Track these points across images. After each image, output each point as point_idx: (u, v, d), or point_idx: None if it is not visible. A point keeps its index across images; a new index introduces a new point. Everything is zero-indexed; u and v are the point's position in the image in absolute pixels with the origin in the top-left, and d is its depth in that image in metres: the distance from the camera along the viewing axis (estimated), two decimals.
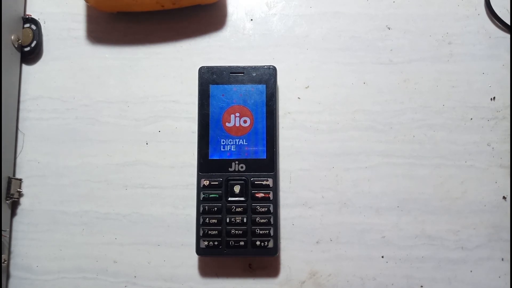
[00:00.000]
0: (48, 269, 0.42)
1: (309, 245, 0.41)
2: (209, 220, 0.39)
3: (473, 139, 0.42)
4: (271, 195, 0.39)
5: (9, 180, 0.41)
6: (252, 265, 0.41)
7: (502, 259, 0.41)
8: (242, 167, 0.40)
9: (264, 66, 0.41)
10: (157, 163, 0.43)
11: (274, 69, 0.41)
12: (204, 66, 0.41)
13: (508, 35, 0.44)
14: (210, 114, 0.40)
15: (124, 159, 0.43)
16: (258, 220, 0.39)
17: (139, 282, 0.41)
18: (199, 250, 0.39)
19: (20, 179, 0.42)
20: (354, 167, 0.42)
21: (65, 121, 0.43)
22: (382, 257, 0.41)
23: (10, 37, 0.42)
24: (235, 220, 0.39)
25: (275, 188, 0.40)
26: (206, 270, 0.41)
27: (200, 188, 0.40)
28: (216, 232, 0.39)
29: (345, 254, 0.41)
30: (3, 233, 0.40)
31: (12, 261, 0.42)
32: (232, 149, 0.40)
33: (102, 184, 0.42)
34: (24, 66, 0.44)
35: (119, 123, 0.43)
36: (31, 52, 0.44)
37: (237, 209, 0.39)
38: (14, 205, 0.42)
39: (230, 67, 0.41)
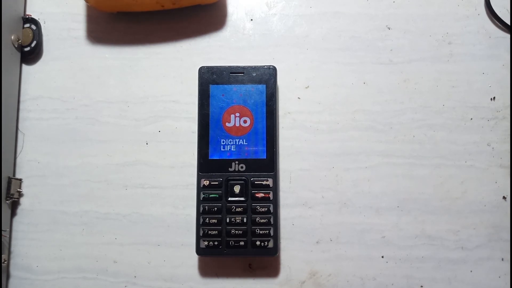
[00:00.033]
0: (48, 269, 0.42)
1: (309, 245, 0.41)
2: (209, 220, 0.39)
3: (473, 139, 0.42)
4: (271, 195, 0.39)
5: (9, 180, 0.41)
6: (252, 265, 0.41)
7: (502, 259, 0.41)
8: (242, 167, 0.40)
9: (264, 66, 0.41)
10: (157, 163, 0.43)
11: (274, 69, 0.41)
12: (204, 66, 0.41)
13: (508, 35, 0.44)
14: (210, 114, 0.40)
15: (124, 159, 0.43)
16: (258, 220, 0.39)
17: (139, 282, 0.41)
18: (199, 250, 0.39)
19: (20, 179, 0.42)
20: (354, 167, 0.42)
21: (65, 121, 0.43)
22: (382, 257, 0.41)
23: (10, 37, 0.42)
24: (235, 220, 0.39)
25: (275, 188, 0.40)
26: (206, 270, 0.41)
27: (200, 188, 0.40)
28: (216, 232, 0.39)
29: (345, 254, 0.41)
30: (3, 233, 0.40)
31: (12, 261, 0.42)
32: (232, 149, 0.40)
33: (102, 184, 0.42)
34: (24, 66, 0.44)
35: (119, 123, 0.43)
36: (31, 52, 0.44)
37: (237, 209, 0.39)
38: (14, 205, 0.42)
39: (230, 67, 0.41)
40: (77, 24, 0.45)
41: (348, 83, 0.43)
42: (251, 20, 0.45)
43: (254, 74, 0.41)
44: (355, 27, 0.44)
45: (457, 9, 0.44)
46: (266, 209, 0.39)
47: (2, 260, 0.40)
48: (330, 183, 0.42)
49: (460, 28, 0.44)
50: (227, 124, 0.40)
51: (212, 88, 0.41)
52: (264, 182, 0.40)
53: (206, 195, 0.39)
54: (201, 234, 0.39)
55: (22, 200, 0.42)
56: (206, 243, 0.39)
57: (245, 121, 0.40)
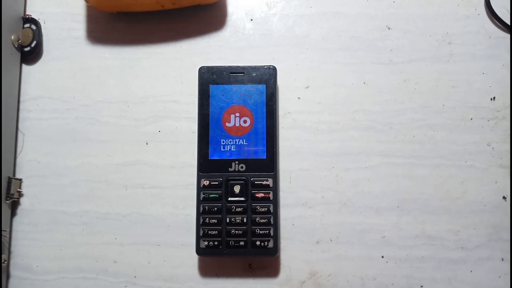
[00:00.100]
0: (48, 269, 0.42)
1: (309, 245, 0.41)
2: (209, 220, 0.39)
3: (473, 139, 0.42)
4: (271, 195, 0.39)
5: (9, 180, 0.41)
6: (252, 265, 0.41)
7: (502, 259, 0.41)
8: (242, 167, 0.40)
9: (264, 66, 0.41)
10: (157, 163, 0.43)
11: (274, 69, 0.41)
12: (204, 66, 0.41)
13: (508, 35, 0.44)
14: (210, 114, 0.40)
15: (124, 159, 0.43)
16: (258, 220, 0.39)
17: (139, 282, 0.41)
18: (199, 250, 0.39)
19: (20, 179, 0.42)
20: (354, 167, 0.42)
21: (65, 121, 0.43)
22: (382, 257, 0.41)
23: (10, 37, 0.42)
24: (235, 220, 0.39)
25: (275, 188, 0.40)
26: (206, 270, 0.41)
27: (200, 188, 0.40)
28: (216, 232, 0.39)
29: (345, 254, 0.41)
30: (3, 233, 0.40)
31: (12, 261, 0.42)
32: (232, 149, 0.40)
33: (102, 184, 0.42)
34: (24, 66, 0.44)
35: (119, 123, 0.43)
36: (31, 52, 0.44)
37: (237, 209, 0.39)
38: (14, 205, 0.42)
39: (230, 67, 0.41)
40: (77, 24, 0.45)
41: (348, 83, 0.43)
42: (251, 20, 0.45)
43: (254, 74, 0.41)
44: (355, 27, 0.44)
45: (457, 9, 0.44)
46: (266, 209, 0.39)
47: (2, 260, 0.40)
48: (330, 183, 0.42)
49: (460, 28, 0.44)
50: (227, 124, 0.40)
51: (212, 88, 0.41)
52: (264, 182, 0.40)
53: (206, 195, 0.39)
54: (201, 234, 0.39)
55: (22, 200, 0.42)
56: (206, 243, 0.39)
57: (245, 121, 0.40)
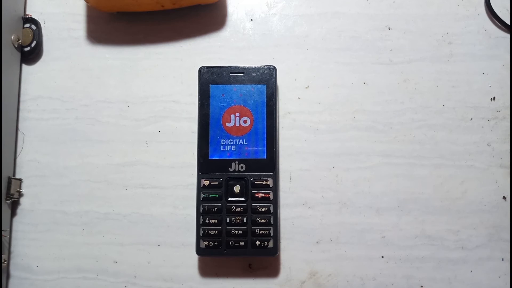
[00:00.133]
0: (48, 269, 0.42)
1: (309, 245, 0.41)
2: (209, 220, 0.39)
3: (473, 139, 0.42)
4: (271, 195, 0.39)
5: (9, 180, 0.41)
6: (252, 265, 0.41)
7: (502, 259, 0.41)
8: (242, 167, 0.40)
9: (264, 66, 0.41)
10: (157, 163, 0.43)
11: (274, 69, 0.41)
12: (204, 66, 0.41)
13: (508, 35, 0.44)
14: (210, 114, 0.40)
15: (124, 159, 0.43)
16: (258, 220, 0.39)
17: (139, 282, 0.41)
18: (199, 250, 0.39)
19: (20, 179, 0.42)
20: (354, 167, 0.42)
21: (65, 121, 0.43)
22: (382, 257, 0.41)
23: (10, 37, 0.42)
24: (235, 220, 0.39)
25: (275, 188, 0.40)
26: (206, 270, 0.41)
27: (200, 188, 0.40)
28: (216, 232, 0.39)
29: (345, 254, 0.41)
30: (3, 233, 0.40)
31: (12, 261, 0.42)
32: (232, 149, 0.40)
33: (102, 184, 0.42)
34: (24, 66, 0.44)
35: (119, 123, 0.43)
36: (31, 52, 0.44)
37: (237, 209, 0.39)
38: (14, 205, 0.42)
39: (230, 67, 0.41)
40: (77, 24, 0.45)
41: (348, 83, 0.43)
42: (251, 20, 0.45)
43: (254, 74, 0.41)
44: (355, 27, 0.44)
45: (457, 9, 0.44)
46: (266, 209, 0.39)
47: (2, 260, 0.40)
48: (330, 183, 0.42)
49: (460, 28, 0.44)
50: (227, 124, 0.40)
51: (212, 88, 0.41)
52: (264, 182, 0.40)
53: (206, 195, 0.39)
54: (201, 234, 0.39)
55: (22, 200, 0.42)
56: (206, 243, 0.39)
57: (245, 121, 0.40)
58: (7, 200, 0.41)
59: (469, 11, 0.44)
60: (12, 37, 0.42)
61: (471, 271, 0.41)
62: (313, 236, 0.41)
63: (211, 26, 0.45)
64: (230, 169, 0.40)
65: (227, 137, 0.40)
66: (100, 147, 0.43)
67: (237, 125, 0.40)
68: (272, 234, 0.39)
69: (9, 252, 0.42)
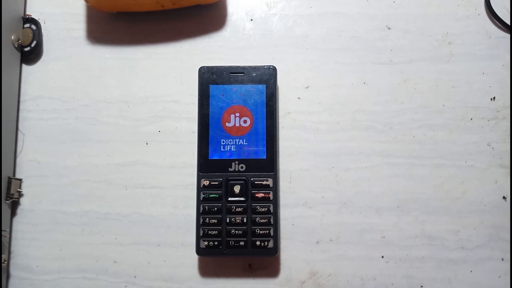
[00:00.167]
0: (48, 269, 0.42)
1: (309, 245, 0.41)
2: (209, 220, 0.39)
3: (473, 139, 0.42)
4: (271, 195, 0.39)
5: (9, 180, 0.41)
6: (252, 265, 0.41)
7: (502, 259, 0.41)
8: (242, 167, 0.40)
9: (264, 66, 0.41)
10: (157, 163, 0.43)
11: (274, 69, 0.41)
12: (204, 66, 0.41)
13: (508, 35, 0.44)
14: (210, 114, 0.40)
15: (124, 159, 0.43)
16: (258, 220, 0.39)
17: (139, 282, 0.41)
18: (199, 250, 0.39)
19: (20, 179, 0.42)
20: (354, 167, 0.42)
21: (65, 121, 0.43)
22: (382, 257, 0.41)
23: (10, 37, 0.42)
24: (235, 220, 0.39)
25: (275, 188, 0.40)
26: (206, 270, 0.41)
27: (200, 188, 0.40)
28: (216, 232, 0.39)
29: (345, 254, 0.41)
30: (3, 233, 0.40)
31: (12, 261, 0.42)
32: (232, 149, 0.40)
33: (102, 184, 0.42)
34: (24, 66, 0.44)
35: (119, 123, 0.43)
36: (31, 52, 0.44)
37: (237, 209, 0.39)
38: (14, 205, 0.42)
39: (230, 67, 0.41)
40: (77, 24, 0.45)
41: (348, 83, 0.43)
42: (251, 20, 0.45)
43: (254, 74, 0.41)
44: (355, 27, 0.44)
45: (457, 9, 0.44)
46: (266, 209, 0.39)
47: (2, 260, 0.40)
48: (330, 183, 0.42)
49: (460, 28, 0.44)
50: (227, 124, 0.40)
51: (212, 88, 0.41)
52: (264, 182, 0.40)
53: (206, 195, 0.39)
54: (201, 234, 0.39)
55: (22, 200, 0.42)
56: (206, 243, 0.39)
57: (245, 121, 0.40)
58: (7, 200, 0.41)
59: (469, 11, 0.44)
60: (12, 37, 0.42)
61: (471, 271, 0.41)
62: (313, 236, 0.41)
63: (211, 26, 0.45)
64: (230, 169, 0.40)
65: (227, 137, 0.40)
66: (100, 147, 0.43)
67: (237, 125, 0.40)
68: (272, 234, 0.39)
69: (9, 252, 0.42)
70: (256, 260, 0.41)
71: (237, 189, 0.40)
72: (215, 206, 0.39)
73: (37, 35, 0.44)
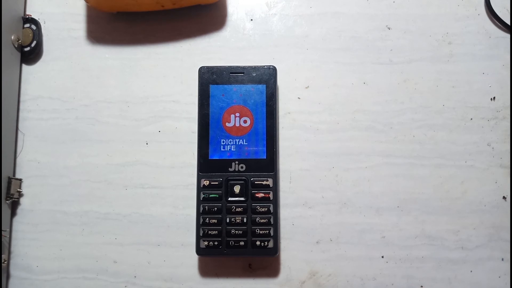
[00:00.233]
0: (48, 269, 0.42)
1: (309, 245, 0.41)
2: (209, 220, 0.39)
3: (473, 139, 0.42)
4: (271, 195, 0.39)
5: (9, 180, 0.41)
6: (252, 265, 0.41)
7: (502, 259, 0.41)
8: (242, 167, 0.40)
9: (264, 66, 0.41)
10: (157, 163, 0.43)
11: (274, 69, 0.41)
12: (204, 66, 0.41)
13: (508, 35, 0.44)
14: (210, 114, 0.40)
15: (124, 159, 0.43)
16: (258, 220, 0.39)
17: (139, 282, 0.41)
18: (199, 250, 0.39)
19: (20, 179, 0.42)
20: (354, 167, 0.42)
21: (65, 121, 0.43)
22: (382, 257, 0.41)
23: (10, 37, 0.42)
24: (235, 220, 0.39)
25: (275, 188, 0.40)
26: (206, 270, 0.41)
27: (200, 188, 0.40)
28: (216, 232, 0.39)
29: (345, 254, 0.41)
30: (3, 233, 0.40)
31: (12, 261, 0.42)
32: (232, 149, 0.40)
33: (102, 184, 0.42)
34: (24, 66, 0.44)
35: (119, 123, 0.43)
36: (31, 52, 0.44)
37: (237, 209, 0.39)
38: (14, 205, 0.42)
39: (230, 67, 0.41)
40: (77, 24, 0.45)
41: (348, 83, 0.43)
42: (251, 20, 0.45)
43: (254, 74, 0.41)
44: (355, 27, 0.44)
45: (457, 9, 0.44)
46: (266, 209, 0.39)
47: (2, 260, 0.40)
48: (330, 183, 0.42)
49: (460, 28, 0.44)
50: (227, 124, 0.40)
51: (212, 88, 0.41)
52: (264, 182, 0.40)
53: (206, 195, 0.40)
54: (201, 234, 0.39)
55: (22, 200, 0.42)
56: (206, 243, 0.39)
57: (245, 121, 0.40)
58: (7, 200, 0.41)
59: (469, 11, 0.44)
60: (12, 37, 0.42)
61: (471, 271, 0.41)
62: (313, 236, 0.41)
63: (211, 26, 0.45)
64: (230, 169, 0.40)
65: (227, 137, 0.40)
66: (100, 147, 0.43)
67: (237, 125, 0.40)
68: (272, 234, 0.39)
69: (9, 252, 0.42)
70: (256, 260, 0.41)
71: (237, 189, 0.40)
72: (215, 206, 0.39)
73: (37, 35, 0.44)
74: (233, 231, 0.39)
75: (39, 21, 0.44)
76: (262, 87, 0.41)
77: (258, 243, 0.39)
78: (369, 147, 0.42)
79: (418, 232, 0.41)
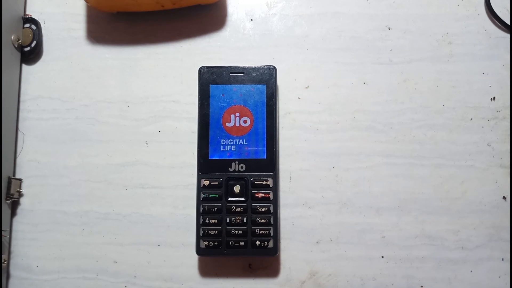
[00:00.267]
0: (48, 269, 0.42)
1: (309, 245, 0.41)
2: (209, 220, 0.39)
3: (473, 139, 0.42)
4: (271, 195, 0.39)
5: (9, 180, 0.41)
6: (252, 265, 0.41)
7: (502, 259, 0.41)
8: (242, 167, 0.40)
9: (264, 66, 0.41)
10: (157, 163, 0.43)
11: (274, 69, 0.41)
12: (204, 66, 0.41)
13: (508, 35, 0.44)
14: (210, 114, 0.40)
15: (124, 159, 0.43)
16: (258, 220, 0.39)
17: (139, 282, 0.41)
18: (199, 250, 0.39)
19: (20, 179, 0.42)
20: (354, 167, 0.42)
21: (65, 121, 0.43)
22: (382, 257, 0.41)
23: (10, 37, 0.42)
24: (235, 220, 0.39)
25: (275, 188, 0.40)
26: (206, 270, 0.41)
27: (200, 188, 0.40)
28: (216, 232, 0.39)
29: (345, 254, 0.41)
30: (3, 233, 0.40)
31: (12, 261, 0.42)
32: (232, 149, 0.40)
33: (102, 184, 0.42)
34: (24, 66, 0.44)
35: (119, 123, 0.43)
36: (31, 52, 0.44)
37: (237, 209, 0.39)
38: (14, 205, 0.42)
39: (230, 67, 0.41)
40: (77, 24, 0.45)
41: (348, 83, 0.43)
42: (251, 20, 0.45)
43: (254, 74, 0.41)
44: (355, 27, 0.44)
45: (457, 9, 0.44)
46: (266, 209, 0.39)
47: (2, 260, 0.40)
48: (330, 183, 0.42)
49: (460, 28, 0.44)
50: (227, 124, 0.40)
51: (212, 88, 0.41)
52: (264, 182, 0.40)
53: (206, 195, 0.39)
54: (201, 234, 0.39)
55: (22, 200, 0.42)
56: (206, 243, 0.39)
57: (245, 121, 0.40)
58: (7, 200, 0.41)
59: (469, 11, 0.44)
60: (12, 37, 0.42)
61: (471, 271, 0.41)
62: (313, 236, 0.41)
63: (211, 26, 0.45)
64: (230, 169, 0.40)
65: (227, 137, 0.40)
66: (100, 147, 0.43)
67: (237, 125, 0.40)
68: (272, 234, 0.39)
69: (9, 252, 0.42)
70: (256, 260, 0.41)
71: (237, 189, 0.40)
72: (215, 206, 0.39)
73: (37, 35, 0.44)
74: (233, 231, 0.39)
75: (39, 21, 0.44)
76: (262, 87, 0.41)
77: (258, 243, 0.39)
78: (369, 147, 0.42)
79: (418, 232, 0.41)
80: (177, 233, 0.42)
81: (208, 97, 0.41)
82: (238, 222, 0.39)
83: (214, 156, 0.40)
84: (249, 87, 0.41)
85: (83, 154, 0.43)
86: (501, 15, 0.44)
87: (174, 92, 0.44)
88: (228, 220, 0.39)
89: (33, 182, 0.43)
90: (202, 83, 0.41)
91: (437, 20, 0.44)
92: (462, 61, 0.44)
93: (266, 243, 0.39)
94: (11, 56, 0.43)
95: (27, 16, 0.44)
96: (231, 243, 0.39)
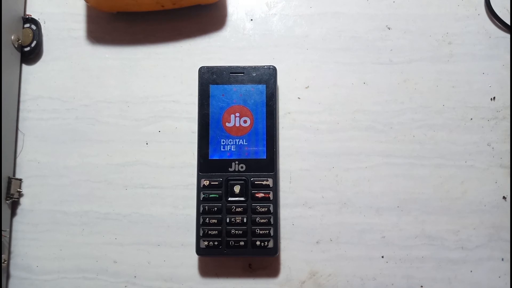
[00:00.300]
0: (48, 269, 0.42)
1: (309, 245, 0.41)
2: (209, 220, 0.39)
3: (473, 139, 0.42)
4: (271, 195, 0.39)
5: (9, 180, 0.41)
6: (252, 265, 0.41)
7: (502, 259, 0.41)
8: (242, 167, 0.40)
9: (264, 66, 0.41)
10: (157, 163, 0.43)
11: (274, 69, 0.41)
12: (204, 66, 0.41)
13: (508, 35, 0.44)
14: (210, 114, 0.40)
15: (124, 159, 0.43)
16: (258, 220, 0.39)
17: (139, 282, 0.41)
18: (199, 250, 0.39)
19: (20, 179, 0.42)
20: (354, 167, 0.42)
21: (65, 121, 0.43)
22: (382, 257, 0.41)
23: (10, 37, 0.42)
24: (235, 220, 0.39)
25: (275, 188, 0.40)
26: (206, 270, 0.41)
27: (200, 188, 0.40)
28: (216, 232, 0.39)
29: (345, 254, 0.41)
30: (3, 233, 0.40)
31: (12, 261, 0.42)
32: (232, 149, 0.40)
33: (102, 184, 0.42)
34: (24, 66, 0.44)
35: (119, 123, 0.43)
36: (31, 52, 0.44)
37: (237, 209, 0.39)
38: (14, 205, 0.42)
39: (230, 67, 0.41)
40: (77, 24, 0.45)
41: (348, 83, 0.43)
42: (251, 20, 0.45)
43: (254, 74, 0.41)
44: (355, 27, 0.44)
45: (457, 9, 0.44)
46: (266, 209, 0.39)
47: (2, 260, 0.40)
48: (330, 183, 0.42)
49: (460, 28, 0.44)
50: (227, 124, 0.40)
51: (212, 88, 0.41)
52: (264, 182, 0.40)
53: (206, 195, 0.40)
54: (201, 234, 0.39)
55: (22, 200, 0.42)
56: (206, 243, 0.39)
57: (245, 121, 0.40)
58: (7, 200, 0.41)
59: (469, 11, 0.44)
60: (12, 37, 0.42)
61: (471, 271, 0.41)
62: (313, 236, 0.41)
63: (211, 26, 0.45)
64: (230, 169, 0.40)
65: (227, 137, 0.40)
66: (100, 147, 0.43)
67: (237, 125, 0.40)
68: (272, 234, 0.39)
69: (9, 252, 0.42)
70: (256, 260, 0.41)
71: (237, 189, 0.40)
72: (215, 206, 0.39)
73: (37, 35, 0.44)
74: (233, 231, 0.39)
75: (39, 21, 0.44)
76: (262, 87, 0.41)
77: (258, 243, 0.39)
78: (369, 147, 0.42)
79: (418, 232, 0.41)
80: (177, 233, 0.42)
81: (208, 97, 0.41)
82: (238, 222, 0.39)
83: (214, 156, 0.40)
84: (249, 87, 0.41)
85: (83, 154, 0.43)
86: (501, 15, 0.44)
87: (174, 92, 0.44)
88: (228, 220, 0.39)
89: (33, 182, 0.43)
90: (202, 83, 0.41)
91: (437, 20, 0.44)
92: (462, 61, 0.44)
93: (266, 243, 0.39)
94: (11, 56, 0.43)
95: (27, 16, 0.44)
96: (231, 243, 0.39)
